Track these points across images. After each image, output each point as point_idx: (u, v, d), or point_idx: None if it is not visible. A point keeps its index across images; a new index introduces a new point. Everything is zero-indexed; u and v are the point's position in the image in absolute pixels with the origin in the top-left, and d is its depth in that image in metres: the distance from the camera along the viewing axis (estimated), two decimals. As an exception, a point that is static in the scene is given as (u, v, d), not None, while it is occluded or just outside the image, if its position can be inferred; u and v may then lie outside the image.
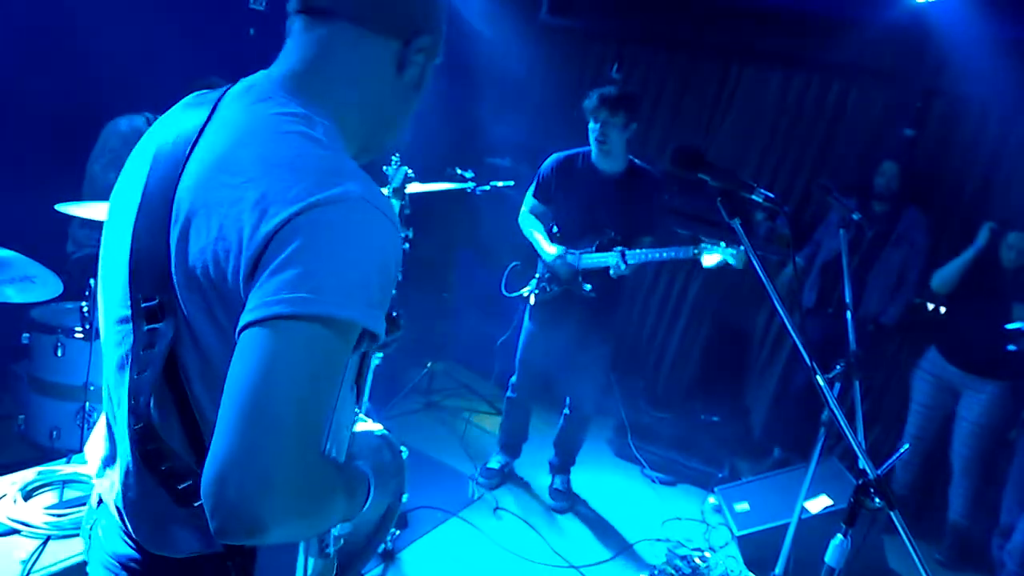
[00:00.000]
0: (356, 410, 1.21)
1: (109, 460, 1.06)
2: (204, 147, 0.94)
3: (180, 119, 1.01)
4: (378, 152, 1.15)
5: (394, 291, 0.96)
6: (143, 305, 0.93)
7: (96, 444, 1.12)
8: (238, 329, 0.82)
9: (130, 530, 1.02)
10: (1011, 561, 3.42)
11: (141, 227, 0.96)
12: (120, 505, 1.03)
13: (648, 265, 3.45)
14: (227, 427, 0.78)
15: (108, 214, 1.07)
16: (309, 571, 1.06)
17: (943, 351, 3.82)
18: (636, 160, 3.38)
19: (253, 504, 0.75)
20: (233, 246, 0.85)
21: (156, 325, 0.92)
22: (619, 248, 3.21)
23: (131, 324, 0.96)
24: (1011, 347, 3.42)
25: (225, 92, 1.02)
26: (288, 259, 0.81)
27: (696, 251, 3.10)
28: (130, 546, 1.03)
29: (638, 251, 3.21)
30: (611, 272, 3.23)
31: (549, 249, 3.41)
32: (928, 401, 3.90)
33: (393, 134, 1.13)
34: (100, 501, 1.10)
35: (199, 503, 0.84)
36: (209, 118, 0.98)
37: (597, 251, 3.32)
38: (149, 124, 3.30)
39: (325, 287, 0.81)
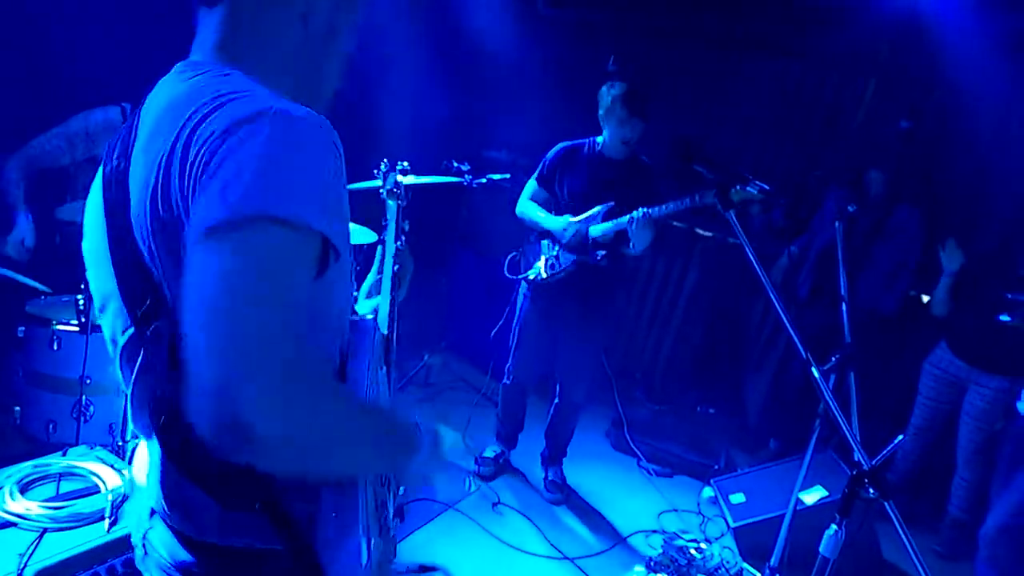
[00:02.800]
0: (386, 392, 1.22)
1: (150, 463, 1.07)
2: (140, 134, 0.96)
3: (124, 131, 1.02)
4: (315, 105, 1.14)
5: (345, 207, 0.93)
6: (139, 312, 0.95)
7: (142, 457, 1.14)
8: (191, 242, 0.81)
9: (179, 529, 1.03)
10: (982, 544, 3.39)
11: (113, 237, 0.97)
12: (164, 505, 1.03)
13: (644, 256, 3.46)
14: (196, 340, 0.75)
15: (84, 229, 1.08)
16: (372, 553, 1.05)
17: (950, 345, 3.82)
18: (642, 156, 3.42)
19: (236, 403, 0.72)
20: (175, 189, 0.86)
21: (156, 323, 0.93)
22: (641, 210, 3.18)
23: (135, 333, 0.98)
24: (1004, 317, 3.41)
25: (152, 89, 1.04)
26: (218, 173, 0.81)
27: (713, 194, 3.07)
28: (186, 550, 1.03)
29: (659, 207, 3.14)
30: (629, 233, 3.21)
31: (557, 220, 3.44)
32: (934, 395, 3.90)
33: (321, 85, 1.12)
34: (152, 512, 1.09)
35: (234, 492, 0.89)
36: (138, 121, 1.00)
37: (604, 220, 3.34)
38: (125, 114, 3.31)
39: (275, 187, 0.80)
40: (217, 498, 0.95)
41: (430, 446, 1.07)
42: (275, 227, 0.79)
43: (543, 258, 3.54)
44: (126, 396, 1.06)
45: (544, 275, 3.51)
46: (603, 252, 3.36)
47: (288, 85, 1.04)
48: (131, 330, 0.99)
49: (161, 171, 0.88)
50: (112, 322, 1.04)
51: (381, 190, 1.67)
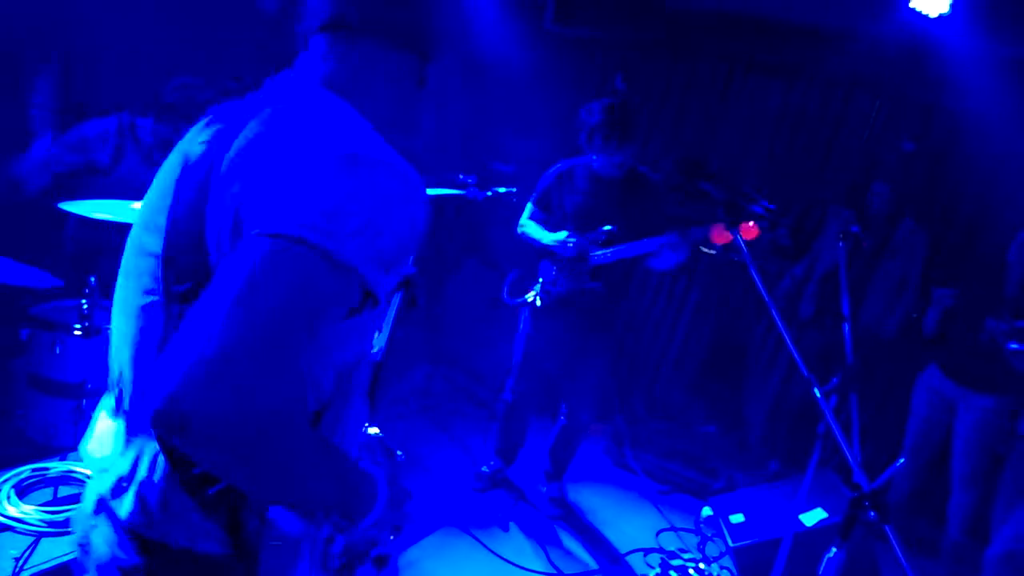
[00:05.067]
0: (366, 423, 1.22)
1: (121, 454, 1.05)
2: (243, 138, 0.98)
3: (217, 119, 1.05)
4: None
5: (406, 259, 0.97)
6: (175, 289, 0.96)
7: (103, 443, 1.11)
8: (248, 234, 0.83)
9: (135, 529, 1.00)
10: (987, 570, 3.38)
11: (176, 220, 0.98)
12: (131, 500, 1.01)
13: (649, 273, 3.46)
14: (194, 317, 0.78)
15: (142, 208, 1.10)
16: None
17: (940, 365, 3.81)
18: (639, 166, 3.40)
19: (194, 389, 0.74)
20: (257, 189, 0.89)
21: (187, 306, 0.93)
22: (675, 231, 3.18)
23: (161, 308, 0.98)
24: (1013, 345, 3.39)
25: (260, 93, 1.06)
26: (304, 192, 0.85)
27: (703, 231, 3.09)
28: (134, 551, 1.01)
29: (695, 228, 3.15)
30: (667, 249, 3.20)
31: (557, 235, 3.42)
32: (926, 416, 3.88)
33: (409, 138, 1.16)
34: (99, 508, 1.07)
35: (212, 490, 0.88)
36: (244, 114, 1.01)
37: (603, 247, 3.33)
38: (121, 124, 3.35)
39: (343, 228, 0.83)
40: (197, 496, 0.96)
41: (389, 503, 1.05)
42: (327, 262, 0.82)
43: (539, 284, 3.54)
44: (124, 369, 1.05)
45: (538, 302, 3.52)
46: (599, 283, 3.36)
47: (389, 129, 1.07)
48: (156, 298, 0.99)
49: (260, 173, 0.90)
50: (137, 277, 1.03)
51: None
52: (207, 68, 3.28)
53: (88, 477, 1.13)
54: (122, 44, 3.35)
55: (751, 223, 2.75)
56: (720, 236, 2.96)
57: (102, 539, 1.05)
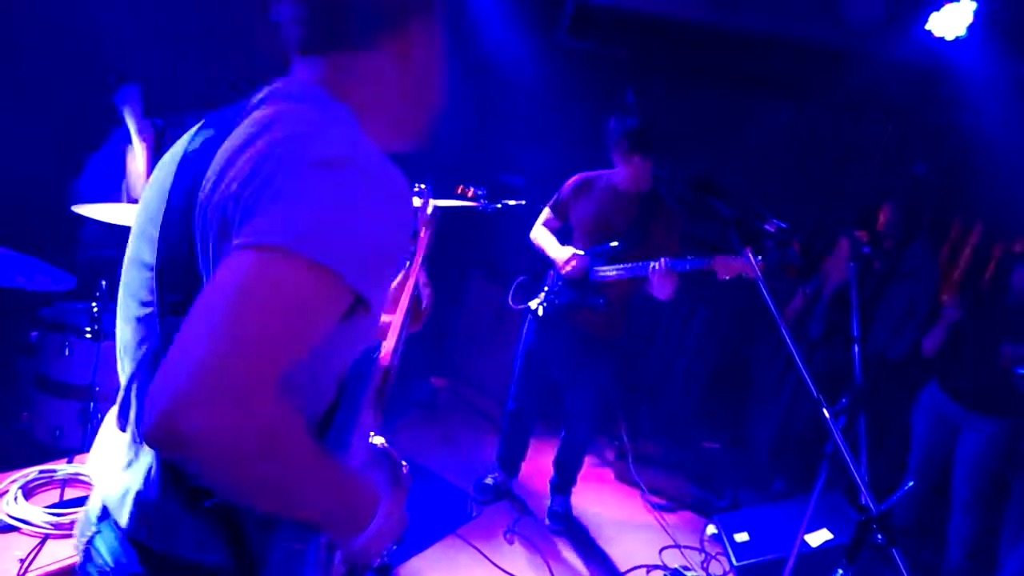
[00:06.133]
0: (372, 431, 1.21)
1: (127, 464, 1.05)
2: (232, 141, 0.97)
3: (210, 125, 1.04)
4: (419, 135, 1.19)
5: (395, 263, 0.96)
6: (168, 299, 0.96)
7: (108, 451, 1.11)
8: (232, 247, 0.82)
9: (138, 538, 1.01)
10: None
11: (167, 228, 0.99)
12: (132, 510, 1.01)
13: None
14: (185, 333, 0.77)
15: (136, 218, 1.09)
16: None
17: (944, 386, 3.78)
18: (661, 188, 3.40)
19: (184, 406, 0.73)
20: (241, 197, 0.88)
21: (181, 318, 0.93)
22: (663, 260, 3.14)
23: (156, 320, 0.99)
24: (1021, 371, 3.38)
25: (254, 97, 1.05)
26: (286, 201, 0.83)
27: (711, 261, 3.05)
28: (136, 560, 1.01)
29: (682, 260, 3.12)
30: (650, 280, 3.17)
31: (561, 251, 3.42)
32: (929, 438, 3.85)
33: (424, 116, 1.16)
34: (103, 515, 1.07)
35: (210, 502, 0.87)
36: (234, 121, 1.01)
37: (609, 263, 3.32)
38: (156, 128, 3.37)
39: (329, 236, 0.82)
40: (196, 508, 0.96)
41: (387, 516, 1.03)
42: (312, 271, 0.81)
43: (543, 293, 3.54)
44: (128, 380, 1.05)
45: (540, 312, 3.52)
46: (602, 299, 3.34)
47: (391, 121, 1.08)
48: (151, 309, 1.00)
49: (243, 179, 0.89)
50: (135, 288, 1.04)
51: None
52: (209, 72, 3.30)
53: (93, 482, 1.14)
54: (140, 48, 3.38)
55: (758, 259, 2.74)
56: (725, 270, 2.98)
57: (105, 546, 1.05)
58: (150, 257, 1.00)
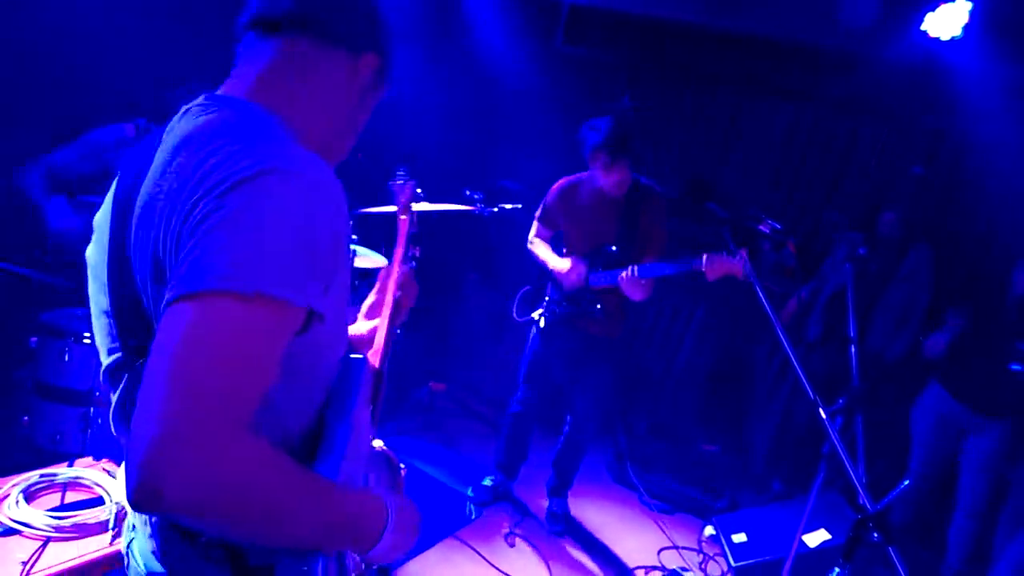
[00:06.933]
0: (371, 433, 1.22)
1: None
2: (154, 166, 0.96)
3: (139, 154, 1.02)
4: (336, 154, 1.16)
5: (339, 269, 0.93)
6: (131, 344, 0.96)
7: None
8: (163, 304, 0.81)
9: (161, 564, 1.03)
10: None
11: (112, 274, 0.98)
12: (147, 539, 1.05)
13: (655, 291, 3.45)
14: (146, 397, 0.76)
15: (89, 258, 1.08)
16: None
17: (949, 388, 3.78)
18: (641, 179, 3.39)
19: (157, 472, 0.72)
20: (167, 237, 0.87)
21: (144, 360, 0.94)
22: (631, 267, 3.15)
23: (122, 359, 0.99)
24: (1015, 367, 3.38)
25: (175, 116, 1.03)
26: (206, 238, 0.81)
27: (700, 262, 2.99)
28: (162, 567, 1.04)
29: (648, 264, 3.13)
30: (621, 288, 3.17)
31: (561, 263, 3.44)
32: (931, 442, 3.84)
33: (342, 145, 1.15)
34: (134, 525, 1.10)
35: (204, 538, 0.89)
36: (154, 147, 0.99)
37: (604, 269, 3.34)
38: (138, 131, 3.37)
39: (251, 262, 0.80)
40: (196, 543, 0.97)
41: (399, 525, 1.02)
42: (253, 304, 0.79)
43: (547, 300, 3.56)
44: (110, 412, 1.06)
45: (541, 324, 3.53)
46: (598, 305, 3.35)
47: (319, 133, 1.06)
48: (119, 355, 1.00)
49: (164, 218, 0.88)
50: (102, 337, 1.04)
51: (394, 205, 1.68)
52: (215, 74, 3.31)
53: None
54: (125, 49, 3.38)
55: (747, 262, 2.73)
56: (712, 271, 2.91)
57: (139, 550, 1.08)
58: (105, 303, 1.00)
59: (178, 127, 0.98)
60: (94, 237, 1.06)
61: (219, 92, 1.04)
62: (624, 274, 3.14)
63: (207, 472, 0.74)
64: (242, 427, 0.78)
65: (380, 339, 1.40)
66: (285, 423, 0.99)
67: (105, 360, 1.03)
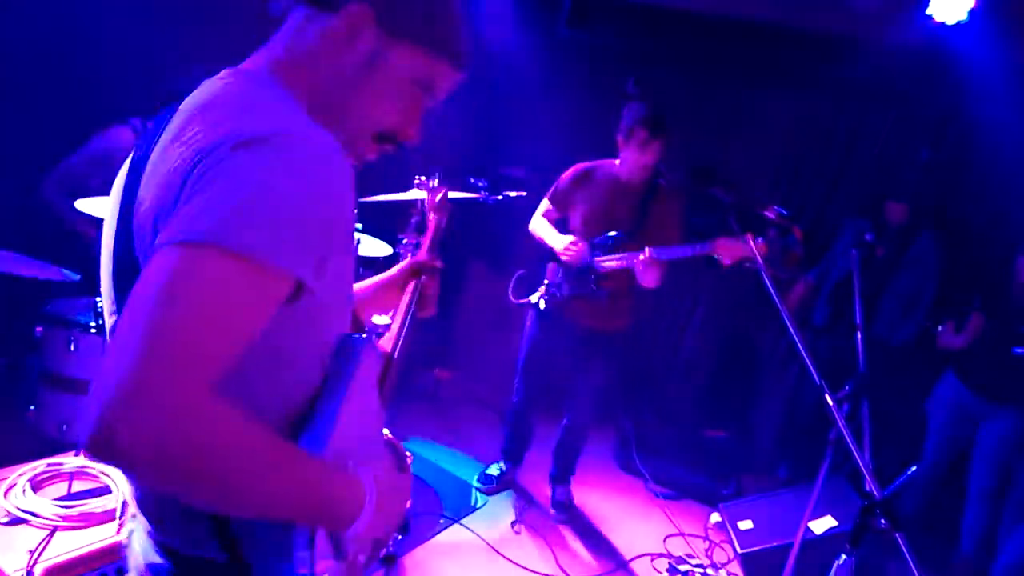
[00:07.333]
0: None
1: None
2: (165, 134, 0.96)
3: (157, 123, 1.02)
4: (343, 135, 1.10)
5: (339, 241, 0.92)
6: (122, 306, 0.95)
7: None
8: (156, 245, 0.80)
9: (158, 537, 1.03)
10: None
11: (118, 237, 0.97)
12: (138, 508, 1.05)
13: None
14: (115, 341, 0.75)
15: (103, 228, 1.08)
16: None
17: (962, 378, 3.76)
18: (661, 179, 3.39)
19: (113, 418, 0.70)
20: (166, 199, 0.86)
21: None
22: (648, 250, 3.14)
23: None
24: (1020, 350, 3.37)
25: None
26: (206, 191, 0.80)
27: (712, 245, 3.00)
28: (160, 555, 1.04)
29: (667, 248, 3.12)
30: (635, 271, 3.17)
31: (561, 238, 3.42)
32: (946, 429, 3.83)
33: (360, 121, 1.08)
34: (135, 513, 1.10)
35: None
36: (171, 115, 0.99)
37: (610, 252, 3.32)
38: (136, 130, 3.35)
39: (241, 221, 0.79)
40: (178, 505, 0.97)
41: (378, 507, 0.99)
42: (237, 262, 0.78)
43: (544, 286, 3.54)
44: None
45: (541, 306, 3.52)
46: (604, 291, 3.34)
47: (328, 105, 1.04)
48: (116, 318, 0.99)
49: (168, 183, 0.88)
50: (106, 301, 1.04)
51: (421, 201, 1.73)
52: (212, 66, 3.29)
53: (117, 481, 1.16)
54: (123, 43, 3.36)
55: (760, 241, 2.73)
56: (728, 253, 2.92)
57: (137, 541, 1.09)
58: (109, 263, 1.00)
59: (196, 96, 0.99)
60: (110, 197, 1.06)
61: (241, 65, 1.05)
62: (642, 255, 3.12)
63: (162, 426, 0.72)
64: (206, 385, 0.76)
65: (396, 325, 1.41)
66: (266, 399, 0.96)
67: (108, 322, 1.03)
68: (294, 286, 0.85)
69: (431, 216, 1.87)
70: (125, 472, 0.77)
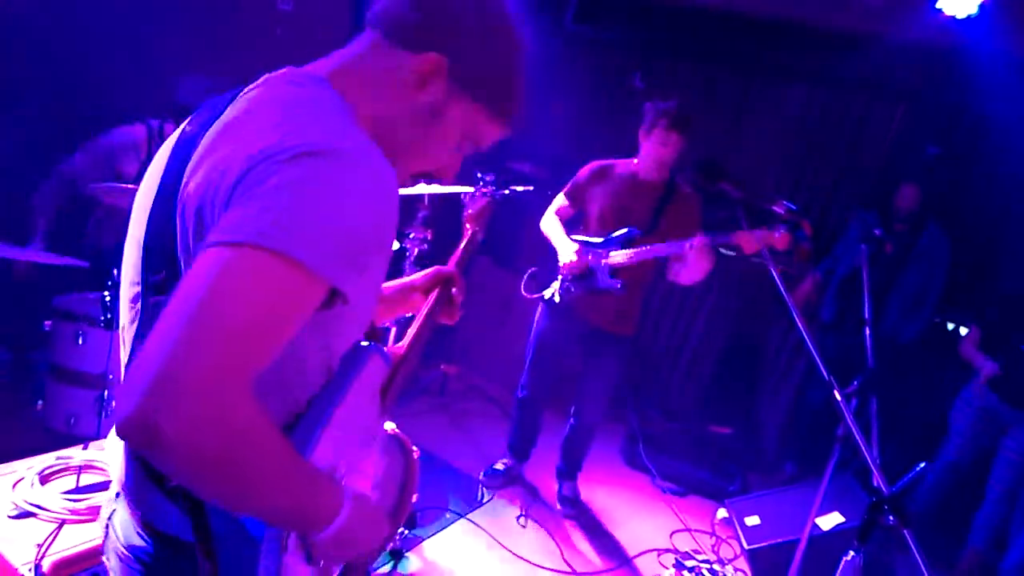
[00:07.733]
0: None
1: (118, 445, 1.09)
2: (218, 124, 0.97)
3: (208, 107, 1.04)
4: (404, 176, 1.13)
5: (377, 256, 0.94)
6: (151, 279, 0.97)
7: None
8: (204, 243, 0.82)
9: (137, 512, 1.04)
10: None
11: (156, 208, 0.99)
12: (128, 484, 1.06)
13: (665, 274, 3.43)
14: (161, 329, 0.76)
15: (137, 198, 1.09)
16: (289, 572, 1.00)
17: (993, 386, 3.72)
18: (682, 184, 3.38)
19: (154, 406, 0.72)
20: (219, 191, 0.87)
21: (160, 297, 0.94)
22: (700, 236, 3.09)
23: (141, 300, 1.00)
24: None
25: (256, 81, 1.04)
26: (261, 196, 0.82)
27: (735, 235, 2.97)
28: (142, 538, 1.05)
29: (722, 233, 3.05)
30: (687, 259, 3.12)
31: (564, 246, 3.42)
32: (970, 433, 3.81)
33: (408, 159, 1.10)
34: (118, 493, 1.12)
35: (174, 482, 0.90)
36: (228, 102, 1.01)
37: (623, 247, 3.31)
38: (150, 132, 3.34)
39: (296, 228, 0.80)
40: (160, 485, 0.98)
41: (349, 523, 0.96)
42: (285, 267, 0.80)
43: (557, 281, 3.53)
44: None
45: (557, 299, 3.51)
46: (619, 282, 3.33)
47: (382, 133, 1.03)
48: (138, 288, 1.01)
49: (220, 173, 0.89)
50: (128, 268, 1.05)
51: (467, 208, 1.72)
52: (220, 67, 3.30)
53: (108, 465, 1.17)
54: (132, 44, 3.37)
55: (783, 231, 2.72)
56: (749, 244, 2.91)
57: (119, 523, 1.10)
58: (140, 233, 1.01)
59: (257, 91, 1.00)
60: (150, 170, 1.07)
61: (305, 68, 1.05)
62: (695, 240, 3.07)
63: (204, 420, 0.73)
64: (247, 384, 0.78)
65: (412, 331, 1.41)
66: (285, 399, 0.98)
67: (128, 292, 1.04)
68: (328, 294, 0.87)
69: (468, 226, 1.84)
70: (153, 458, 0.77)
